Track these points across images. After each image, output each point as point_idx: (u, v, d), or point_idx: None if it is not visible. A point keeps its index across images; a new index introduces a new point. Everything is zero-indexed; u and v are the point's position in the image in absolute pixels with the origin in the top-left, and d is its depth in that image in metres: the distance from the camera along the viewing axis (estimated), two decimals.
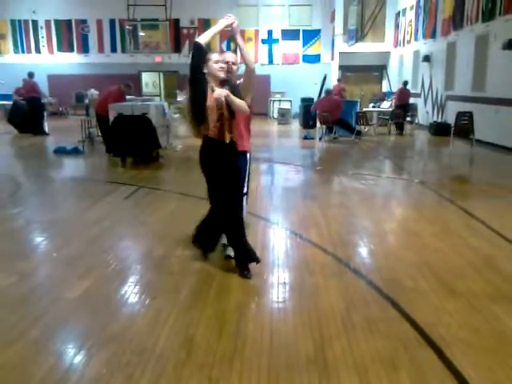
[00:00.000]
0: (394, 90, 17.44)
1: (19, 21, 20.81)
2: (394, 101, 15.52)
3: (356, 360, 2.69)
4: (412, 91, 16.99)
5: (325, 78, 16.62)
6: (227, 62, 3.75)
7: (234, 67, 3.84)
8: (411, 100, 16.64)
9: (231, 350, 2.79)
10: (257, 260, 3.85)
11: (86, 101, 13.59)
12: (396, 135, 13.91)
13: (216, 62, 3.62)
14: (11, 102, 15.19)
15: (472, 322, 3.10)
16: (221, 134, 3.67)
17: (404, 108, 14.72)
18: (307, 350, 2.78)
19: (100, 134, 10.91)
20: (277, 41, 20.71)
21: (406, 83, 15.48)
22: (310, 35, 20.72)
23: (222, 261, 4.18)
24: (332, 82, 19.36)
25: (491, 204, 6.10)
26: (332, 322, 3.12)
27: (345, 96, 16.33)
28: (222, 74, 3.65)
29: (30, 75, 14.09)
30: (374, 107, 16.49)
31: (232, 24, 3.68)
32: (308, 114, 14.61)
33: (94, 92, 14.74)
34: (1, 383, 2.52)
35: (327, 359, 2.70)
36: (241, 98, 3.66)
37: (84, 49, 21.10)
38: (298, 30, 20.64)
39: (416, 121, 16.51)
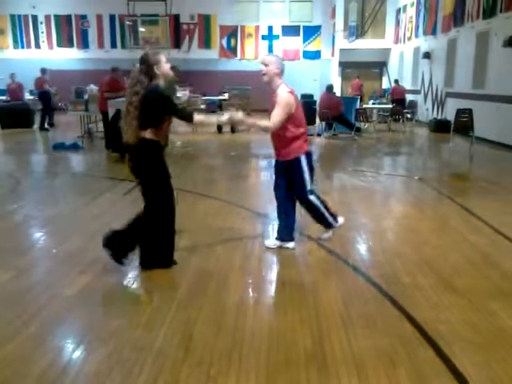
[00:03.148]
0: (393, 85, 17.51)
1: (19, 16, 20.76)
2: (389, 96, 16.65)
3: (354, 356, 2.69)
4: (412, 88, 17.01)
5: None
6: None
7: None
8: (411, 97, 16.67)
9: (229, 346, 2.79)
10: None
11: (86, 96, 13.50)
12: (387, 131, 13.88)
13: (166, 63, 3.76)
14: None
15: (471, 319, 3.10)
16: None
17: (400, 103, 15.26)
18: (306, 347, 2.78)
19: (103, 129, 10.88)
20: (277, 37, 20.66)
21: (396, 81, 16.68)
22: (311, 31, 20.68)
23: (220, 257, 4.18)
24: (332, 80, 19.35)
25: (491, 201, 6.09)
26: (331, 318, 3.12)
27: (363, 92, 16.63)
28: (172, 73, 3.85)
29: (43, 71, 14.36)
30: (373, 104, 16.47)
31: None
32: (308, 110, 14.53)
33: (93, 88, 14.63)
34: (0, 378, 2.52)
35: (326, 355, 2.70)
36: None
37: (84, 44, 21.07)
38: (299, 26, 20.61)
39: (416, 118, 16.50)
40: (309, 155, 4.24)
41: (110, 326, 3.04)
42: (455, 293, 3.48)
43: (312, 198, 4.29)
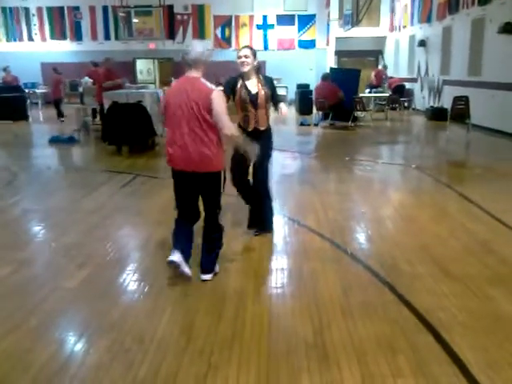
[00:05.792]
0: (390, 74, 17.45)
1: (10, 8, 20.52)
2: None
3: (354, 344, 2.71)
4: (408, 76, 16.97)
5: None
6: (245, 56, 4.09)
7: (249, 60, 4.10)
8: (407, 85, 16.63)
9: (230, 336, 2.81)
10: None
11: (80, 89, 13.40)
12: (384, 120, 13.87)
13: (238, 58, 4.07)
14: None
15: (469, 306, 3.13)
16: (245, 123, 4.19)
17: (399, 90, 15.40)
18: (306, 335, 2.80)
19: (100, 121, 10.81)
20: (272, 26, 20.50)
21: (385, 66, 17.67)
22: (306, 20, 20.52)
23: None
24: (328, 69, 19.26)
25: (488, 188, 6.11)
26: (330, 306, 3.14)
27: (383, 81, 16.72)
28: (244, 68, 4.08)
29: (95, 64, 14.03)
30: (370, 92, 16.40)
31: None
32: (304, 100, 14.52)
33: (88, 80, 14.55)
34: (0, 371, 2.53)
35: (326, 344, 2.72)
36: (273, 88, 4.23)
37: (77, 36, 20.84)
38: (293, 15, 20.44)
39: (413, 106, 16.47)
40: (174, 173, 3.52)
41: (110, 317, 3.05)
42: (454, 280, 3.51)
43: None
